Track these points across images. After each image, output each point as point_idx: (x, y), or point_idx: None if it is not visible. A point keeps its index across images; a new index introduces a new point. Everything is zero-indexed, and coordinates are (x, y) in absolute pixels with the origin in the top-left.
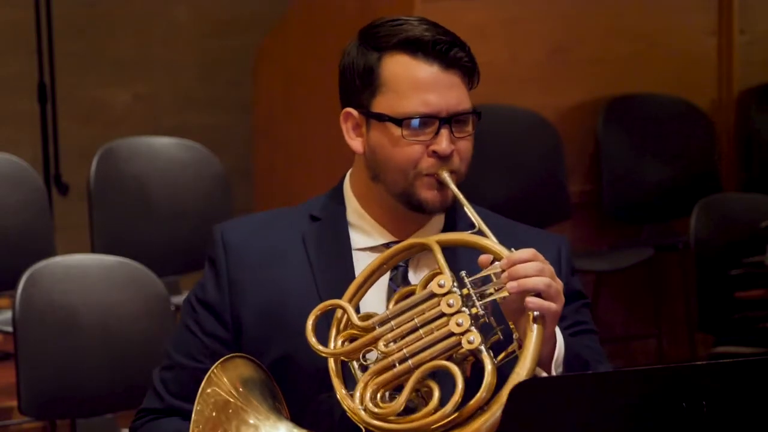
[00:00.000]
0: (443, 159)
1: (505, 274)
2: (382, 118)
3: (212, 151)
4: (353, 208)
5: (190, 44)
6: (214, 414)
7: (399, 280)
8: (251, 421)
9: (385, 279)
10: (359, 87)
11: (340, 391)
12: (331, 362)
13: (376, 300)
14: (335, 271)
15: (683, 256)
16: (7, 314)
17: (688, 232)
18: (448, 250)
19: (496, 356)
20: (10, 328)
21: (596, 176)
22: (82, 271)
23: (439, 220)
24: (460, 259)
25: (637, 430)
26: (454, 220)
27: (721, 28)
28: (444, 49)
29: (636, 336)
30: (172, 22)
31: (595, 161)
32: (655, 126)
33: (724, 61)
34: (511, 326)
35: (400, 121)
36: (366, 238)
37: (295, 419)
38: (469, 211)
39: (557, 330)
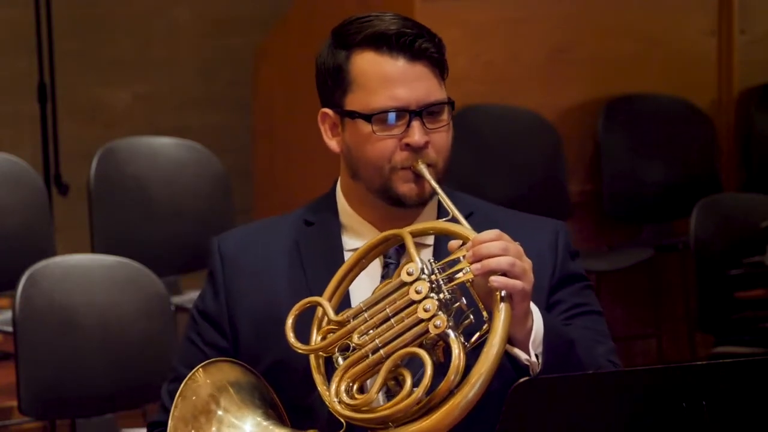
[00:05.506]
0: (417, 151)
1: (469, 254)
2: (353, 115)
3: (212, 151)
4: (344, 210)
5: (190, 44)
6: (192, 417)
7: (390, 276)
8: (232, 423)
9: (379, 277)
10: (331, 87)
11: (321, 387)
12: (312, 359)
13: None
14: (327, 274)
15: (683, 256)
16: (7, 314)
17: (688, 232)
18: (442, 242)
19: (470, 339)
20: (10, 328)
21: (596, 176)
22: (82, 271)
23: (431, 213)
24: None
25: (637, 430)
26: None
27: (721, 28)
28: (408, 41)
29: (636, 336)
30: (172, 22)
31: (595, 161)
32: (655, 126)
33: (724, 61)
34: (481, 308)
35: (370, 117)
36: (357, 239)
37: (293, 421)
38: (443, 199)
39: (536, 310)
